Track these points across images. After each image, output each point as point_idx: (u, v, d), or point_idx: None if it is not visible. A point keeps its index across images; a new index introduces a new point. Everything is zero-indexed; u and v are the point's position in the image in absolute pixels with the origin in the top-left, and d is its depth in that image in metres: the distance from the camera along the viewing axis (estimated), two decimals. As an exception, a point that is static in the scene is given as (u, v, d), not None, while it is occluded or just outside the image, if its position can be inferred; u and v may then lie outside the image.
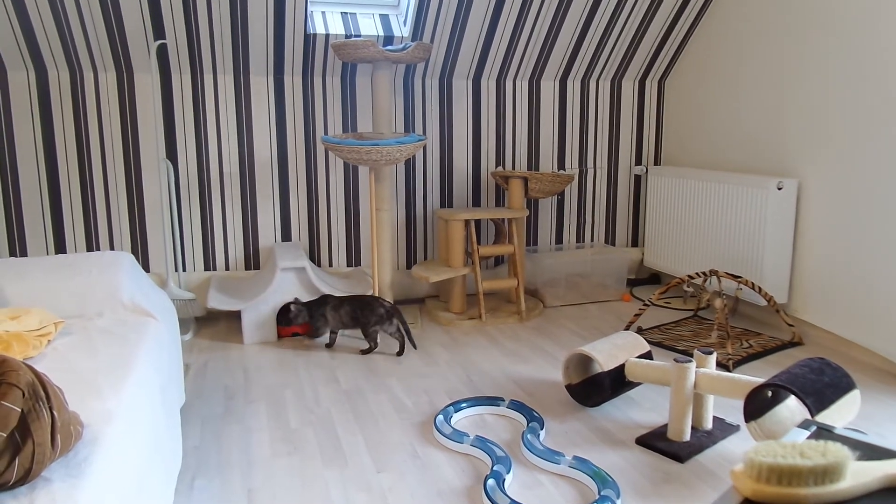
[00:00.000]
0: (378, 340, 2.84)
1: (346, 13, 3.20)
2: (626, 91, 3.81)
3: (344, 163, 3.43)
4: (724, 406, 2.29)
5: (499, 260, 3.76)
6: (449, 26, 3.19)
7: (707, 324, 3.17)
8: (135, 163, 3.17)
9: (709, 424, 2.11)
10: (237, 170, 3.29)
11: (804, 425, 1.08)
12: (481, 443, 1.99)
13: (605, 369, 2.18)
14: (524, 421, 2.18)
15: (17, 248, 3.11)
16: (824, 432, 1.06)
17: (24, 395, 1.06)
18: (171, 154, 3.20)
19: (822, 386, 1.81)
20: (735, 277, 2.89)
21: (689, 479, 1.85)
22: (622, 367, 2.23)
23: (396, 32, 3.21)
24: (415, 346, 2.89)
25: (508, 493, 1.77)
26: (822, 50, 2.80)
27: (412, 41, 3.20)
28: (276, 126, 3.31)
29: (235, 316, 3.34)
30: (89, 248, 3.19)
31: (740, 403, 2.26)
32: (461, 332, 3.11)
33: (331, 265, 3.51)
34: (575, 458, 1.90)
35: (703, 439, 2.04)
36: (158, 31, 2.91)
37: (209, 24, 2.91)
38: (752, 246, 3.04)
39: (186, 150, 3.22)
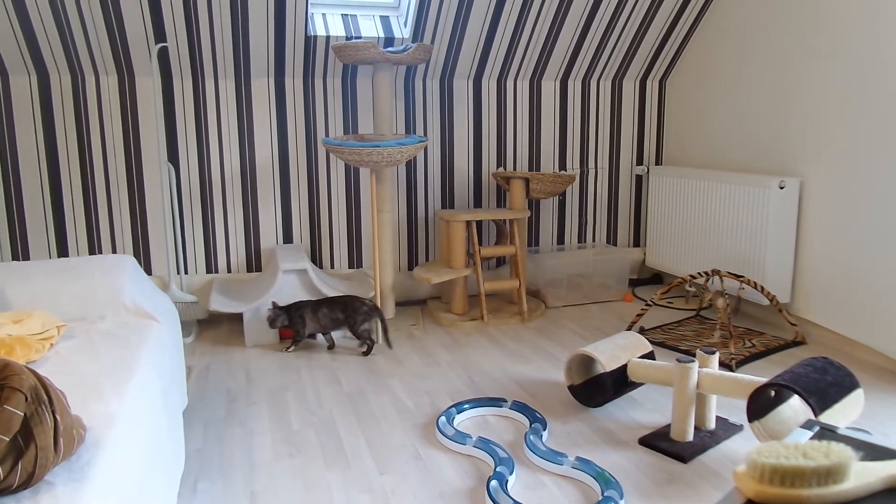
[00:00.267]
0: (372, 336, 2.85)
1: (346, 15, 3.20)
2: (627, 91, 3.81)
3: (345, 164, 3.44)
4: (727, 406, 2.29)
5: (500, 261, 3.76)
6: (449, 27, 3.20)
7: (709, 323, 3.17)
8: (136, 166, 3.18)
9: (712, 424, 2.11)
10: (238, 172, 3.30)
11: (807, 426, 1.08)
12: (484, 444, 1.99)
13: (608, 370, 2.18)
14: (527, 422, 2.18)
15: (20, 251, 3.12)
16: (827, 433, 1.06)
17: (26, 399, 1.06)
18: (173, 157, 3.21)
19: (825, 385, 1.81)
20: (737, 277, 2.89)
21: (692, 480, 1.85)
22: (624, 367, 2.23)
23: (397, 34, 3.21)
24: (390, 346, 2.90)
25: (511, 494, 1.77)
26: (824, 49, 2.80)
27: (413, 42, 3.20)
28: (277, 128, 3.31)
29: (237, 318, 3.34)
30: (91, 252, 3.19)
31: (743, 403, 2.26)
32: (463, 333, 3.11)
33: (332, 267, 3.51)
34: (578, 458, 1.89)
35: (707, 439, 2.04)
36: (159, 35, 2.92)
37: (210, 27, 2.92)
38: (754, 245, 3.04)
39: (188, 152, 3.23)
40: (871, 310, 2.64)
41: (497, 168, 3.68)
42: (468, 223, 3.29)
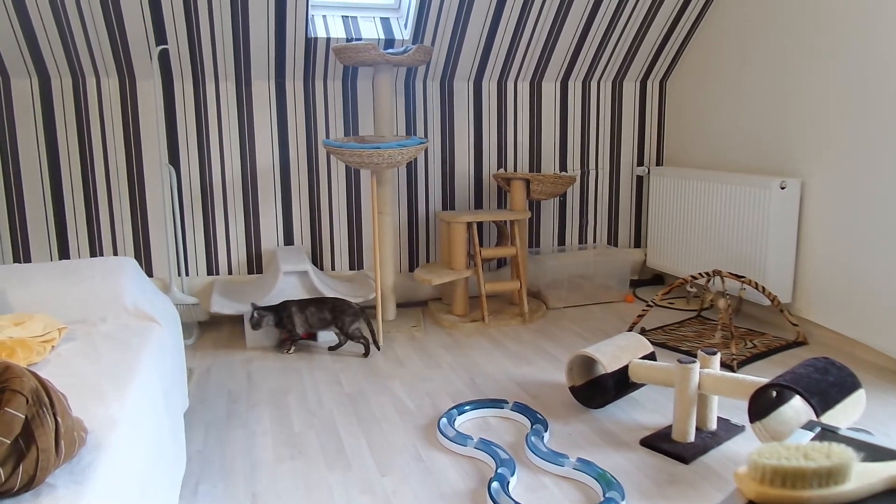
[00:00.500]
0: (366, 335, 2.86)
1: (346, 17, 3.20)
2: (627, 92, 3.81)
3: (346, 166, 3.44)
4: (729, 406, 2.29)
5: (501, 262, 3.75)
6: (450, 29, 3.20)
7: (711, 324, 3.17)
8: (137, 168, 3.18)
9: (713, 425, 2.11)
10: (239, 174, 3.30)
11: (808, 426, 1.08)
12: (485, 445, 1.99)
13: (609, 371, 2.18)
14: (528, 423, 2.17)
15: (21, 254, 3.12)
16: (828, 433, 1.06)
17: (28, 401, 1.06)
18: (174, 159, 3.21)
19: (826, 385, 1.81)
20: (738, 277, 2.89)
21: (693, 481, 1.85)
22: (626, 368, 2.23)
23: (397, 35, 3.21)
24: (378, 348, 2.91)
25: (512, 495, 1.76)
26: (824, 49, 2.80)
27: (413, 44, 3.20)
28: (277, 130, 3.32)
29: (238, 320, 3.34)
30: (93, 254, 3.20)
31: (745, 404, 2.26)
32: (464, 335, 3.11)
33: (333, 269, 3.51)
34: (579, 460, 1.89)
35: (708, 440, 2.04)
36: (160, 37, 2.92)
37: (210, 29, 2.92)
38: (755, 246, 3.03)
39: (189, 155, 3.23)
40: (872, 310, 2.63)
41: (498, 169, 3.68)
42: (469, 224, 3.29)
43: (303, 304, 2.83)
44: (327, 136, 3.39)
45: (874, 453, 0.98)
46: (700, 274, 2.97)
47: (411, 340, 3.03)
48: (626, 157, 3.87)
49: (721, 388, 1.98)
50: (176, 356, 2.03)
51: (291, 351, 2.89)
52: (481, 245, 3.62)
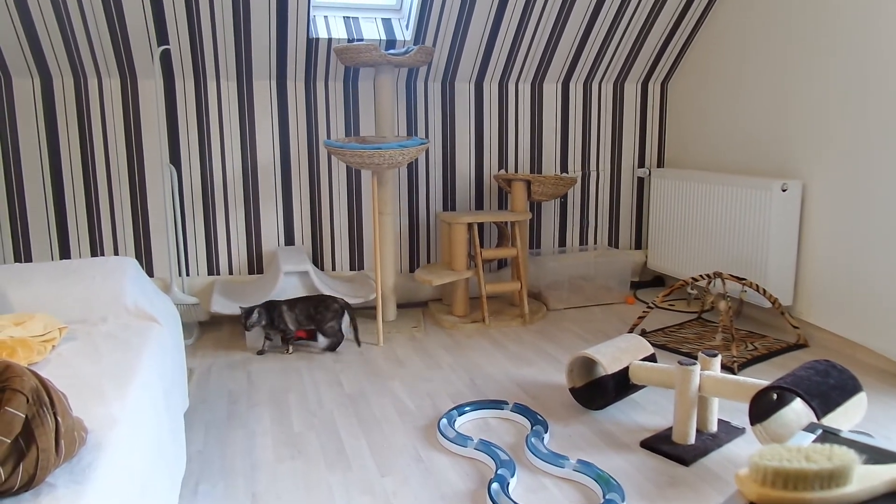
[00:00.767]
0: (338, 335, 2.87)
1: (348, 17, 3.20)
2: (628, 93, 3.81)
3: (346, 166, 3.44)
4: (729, 409, 2.29)
5: (502, 263, 3.75)
6: (451, 29, 3.20)
7: (711, 326, 3.16)
8: (139, 168, 3.18)
9: (714, 427, 2.10)
10: (240, 174, 3.30)
11: (810, 428, 1.08)
12: (485, 446, 1.98)
13: (609, 372, 2.18)
14: (528, 424, 2.17)
15: (22, 253, 3.12)
16: (830, 436, 1.05)
17: (28, 400, 1.06)
18: (175, 159, 3.21)
19: (827, 388, 1.81)
20: (739, 279, 2.88)
21: (694, 483, 1.85)
22: (626, 369, 2.23)
23: (399, 36, 3.22)
24: (359, 344, 2.94)
25: (512, 496, 1.76)
26: (826, 51, 2.80)
27: (414, 45, 3.20)
28: (278, 130, 3.32)
29: (239, 320, 3.34)
30: (93, 254, 3.20)
31: (745, 406, 2.26)
32: (464, 336, 3.11)
33: (334, 269, 3.51)
34: (579, 461, 1.89)
35: (708, 442, 2.04)
36: (162, 37, 2.92)
37: (212, 29, 2.92)
38: (756, 248, 3.03)
39: (190, 155, 3.23)
40: (873, 312, 2.63)
41: (499, 170, 3.68)
42: (469, 225, 3.29)
43: (292, 303, 2.84)
44: (328, 137, 3.39)
45: (876, 456, 0.98)
46: (701, 276, 2.96)
47: (412, 341, 3.03)
48: (627, 159, 3.87)
49: (721, 391, 1.98)
50: (176, 356, 2.03)
51: (290, 350, 2.89)
52: (482, 246, 3.62)
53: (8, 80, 2.98)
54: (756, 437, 1.88)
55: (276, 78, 3.26)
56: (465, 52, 3.34)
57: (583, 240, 3.89)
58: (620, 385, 2.22)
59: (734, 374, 2.58)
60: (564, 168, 3.79)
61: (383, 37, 3.19)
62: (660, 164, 3.92)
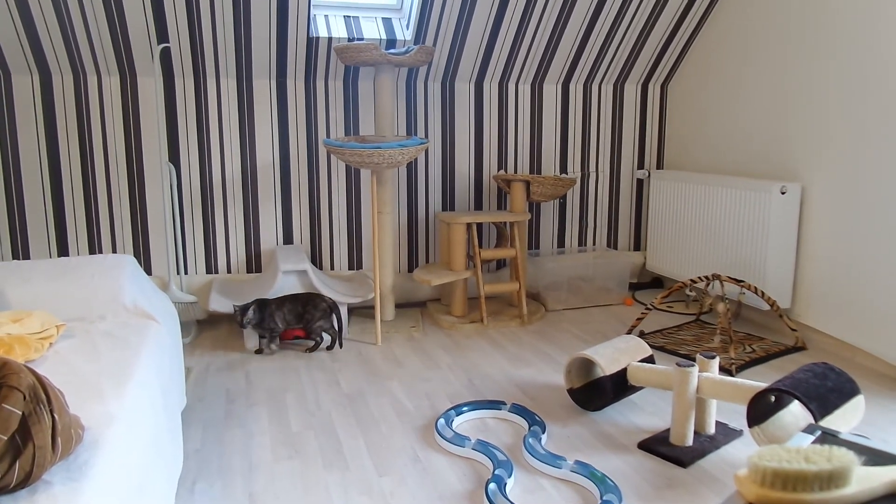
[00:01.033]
0: (323, 336, 2.88)
1: (348, 17, 3.20)
2: (628, 95, 3.81)
3: (346, 166, 3.44)
4: (727, 411, 2.28)
5: (500, 263, 3.75)
6: (452, 29, 3.20)
7: (710, 328, 3.16)
8: (137, 166, 3.17)
9: (711, 429, 2.10)
10: (239, 173, 3.30)
11: (809, 430, 1.08)
12: (483, 447, 1.98)
13: (608, 373, 2.18)
14: (526, 425, 2.17)
15: (20, 250, 3.11)
16: (829, 437, 1.05)
17: (25, 397, 1.06)
18: (174, 157, 3.21)
19: (825, 391, 1.81)
20: (738, 282, 2.88)
21: (691, 485, 1.85)
22: (624, 371, 2.23)
23: (399, 36, 3.21)
24: (341, 346, 2.93)
25: (510, 497, 1.76)
26: (825, 53, 2.80)
27: (415, 44, 3.20)
28: (278, 129, 3.31)
29: (234, 318, 3.33)
30: (92, 251, 3.19)
31: (743, 408, 2.26)
32: (463, 336, 3.10)
33: (332, 268, 3.51)
34: (577, 462, 1.89)
35: (706, 444, 2.04)
36: (162, 35, 2.92)
37: (212, 27, 2.92)
38: (755, 250, 3.03)
39: (189, 153, 3.22)
40: (871, 315, 2.63)
41: (498, 171, 3.68)
42: (468, 225, 3.29)
43: (280, 302, 2.83)
44: (328, 136, 3.38)
45: (875, 458, 0.98)
46: (699, 278, 2.96)
47: (410, 341, 3.03)
48: (626, 160, 3.87)
49: (719, 393, 1.98)
50: (174, 354, 2.03)
51: (274, 350, 2.86)
52: (481, 246, 3.62)
53: (7, 77, 2.98)
54: (754, 439, 1.88)
55: (275, 77, 3.26)
56: (465, 52, 3.34)
57: (582, 241, 3.89)
58: (618, 386, 2.21)
59: (732, 376, 2.58)
60: (564, 169, 3.79)
61: (383, 36, 3.19)
62: (659, 165, 3.92)
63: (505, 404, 2.29)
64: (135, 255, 3.22)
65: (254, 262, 3.39)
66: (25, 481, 1.03)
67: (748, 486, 0.87)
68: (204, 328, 3.22)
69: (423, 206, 3.59)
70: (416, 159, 3.48)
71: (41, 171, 3.08)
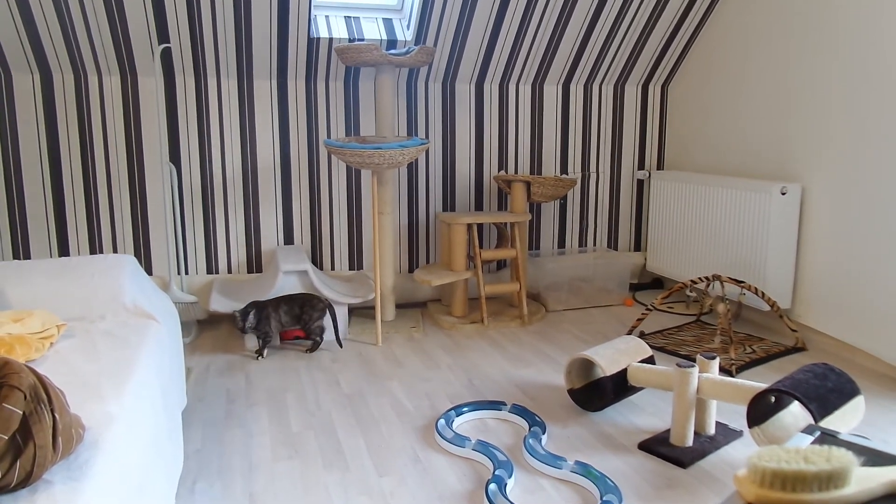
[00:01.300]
0: (322, 336, 2.87)
1: (349, 17, 3.20)
2: (629, 95, 3.81)
3: (346, 166, 3.44)
4: (727, 411, 2.29)
5: (501, 264, 3.75)
6: (452, 30, 3.20)
7: (710, 329, 3.16)
8: (138, 166, 3.18)
9: (712, 430, 2.10)
10: (240, 173, 3.30)
11: (808, 430, 1.08)
12: (483, 447, 1.98)
13: (608, 374, 2.18)
14: (526, 425, 2.17)
15: (21, 250, 3.12)
16: (828, 437, 1.05)
17: (25, 397, 1.06)
18: (175, 157, 3.21)
19: (825, 391, 1.81)
20: (738, 282, 2.88)
21: (691, 485, 1.85)
22: (625, 371, 2.23)
23: (400, 36, 3.22)
24: (340, 345, 2.93)
25: (510, 497, 1.76)
26: (826, 54, 2.80)
27: (415, 45, 3.20)
28: (279, 130, 3.32)
29: (234, 324, 3.33)
30: (92, 251, 3.19)
31: (743, 409, 2.26)
32: (463, 336, 3.11)
33: (333, 268, 3.51)
34: (577, 462, 1.89)
35: (706, 445, 2.04)
36: (163, 35, 2.92)
37: (213, 27, 2.92)
38: (755, 251, 3.03)
39: (190, 153, 3.23)
40: (871, 316, 2.63)
41: (498, 171, 3.68)
42: (469, 226, 3.29)
43: (276, 304, 2.83)
44: (328, 136, 3.39)
45: (874, 458, 0.98)
46: (700, 278, 2.96)
47: (410, 341, 3.03)
48: (626, 161, 3.87)
49: (720, 393, 1.98)
50: (174, 354, 2.03)
51: (265, 355, 2.83)
52: (481, 247, 3.62)
53: (8, 76, 2.98)
54: (754, 439, 1.88)
55: (276, 77, 3.26)
56: (465, 53, 3.34)
57: (582, 241, 3.89)
58: (619, 387, 2.22)
59: (732, 376, 2.58)
60: (564, 170, 3.79)
61: (384, 37, 3.20)
62: (659, 166, 3.92)
63: (505, 405, 2.29)
64: (135, 255, 3.22)
65: (254, 263, 3.39)
66: (26, 481, 1.03)
67: (747, 486, 0.87)
68: (204, 328, 3.22)
69: (424, 206, 3.59)
70: (416, 160, 3.49)
71: (42, 170, 3.08)
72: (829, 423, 1.74)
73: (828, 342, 2.88)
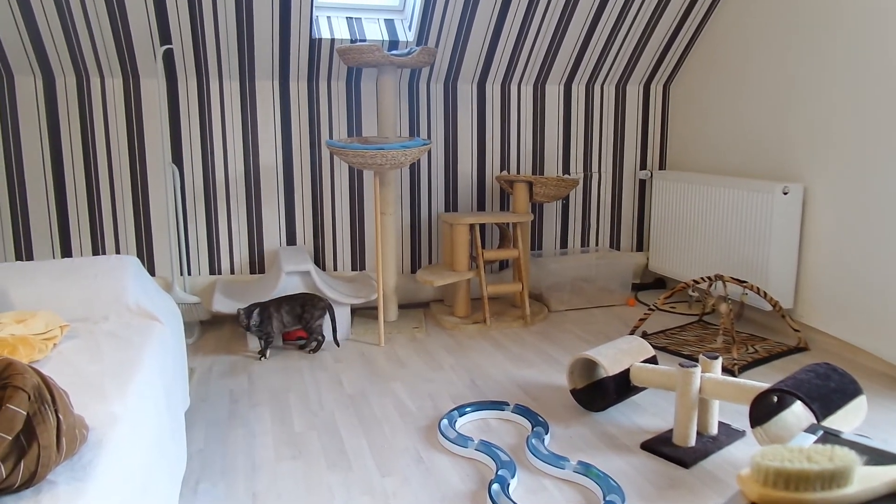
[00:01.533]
0: (323, 333, 2.88)
1: (351, 18, 3.21)
2: (630, 95, 3.81)
3: (349, 167, 3.44)
4: (730, 411, 2.28)
5: (503, 264, 3.75)
6: (454, 31, 3.20)
7: (712, 329, 3.16)
8: (141, 167, 3.18)
9: (714, 430, 2.10)
10: (242, 174, 3.30)
11: (811, 429, 1.08)
12: (486, 447, 1.98)
13: (610, 374, 2.18)
14: (529, 425, 2.17)
15: (24, 251, 3.12)
16: (831, 437, 1.05)
17: (29, 398, 1.06)
18: (177, 159, 3.22)
19: (828, 391, 1.80)
20: (740, 282, 2.88)
21: (694, 485, 1.85)
22: (627, 371, 2.23)
23: (401, 37, 3.22)
24: (338, 344, 2.94)
25: (513, 497, 1.76)
26: (828, 53, 2.80)
27: (417, 46, 3.20)
28: (281, 131, 3.32)
29: (238, 322, 3.33)
30: (95, 252, 3.20)
31: (746, 409, 2.25)
32: (466, 337, 3.11)
33: (336, 269, 3.51)
34: (580, 462, 1.89)
35: (709, 445, 2.04)
36: (165, 37, 2.93)
37: (215, 29, 2.93)
38: (757, 251, 3.03)
39: (192, 154, 3.23)
40: (874, 316, 2.63)
41: (500, 171, 3.68)
42: (471, 226, 3.29)
43: (278, 304, 2.83)
44: (331, 137, 3.39)
45: (877, 457, 0.98)
46: (702, 278, 2.96)
47: (413, 341, 3.03)
48: (628, 161, 3.87)
49: (722, 393, 1.98)
50: (177, 355, 2.03)
51: (268, 356, 2.83)
52: (483, 247, 3.62)
53: (10, 78, 2.99)
54: (756, 439, 1.88)
55: (278, 78, 3.27)
56: (467, 54, 3.34)
57: (584, 241, 3.89)
58: (621, 387, 2.22)
59: (735, 376, 2.58)
60: (566, 170, 3.79)
61: (386, 37, 3.20)
62: (661, 166, 3.92)
63: (508, 405, 2.29)
64: (138, 256, 3.23)
65: (257, 263, 3.39)
66: (30, 481, 1.04)
67: (751, 485, 0.87)
68: (207, 329, 3.22)
69: (426, 206, 3.59)
70: (418, 160, 3.49)
71: (44, 172, 3.09)
72: (831, 422, 1.74)
73: (830, 342, 2.88)
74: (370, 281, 3.32)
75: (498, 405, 2.29)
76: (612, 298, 3.62)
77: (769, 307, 2.95)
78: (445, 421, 2.15)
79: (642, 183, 3.93)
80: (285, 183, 3.36)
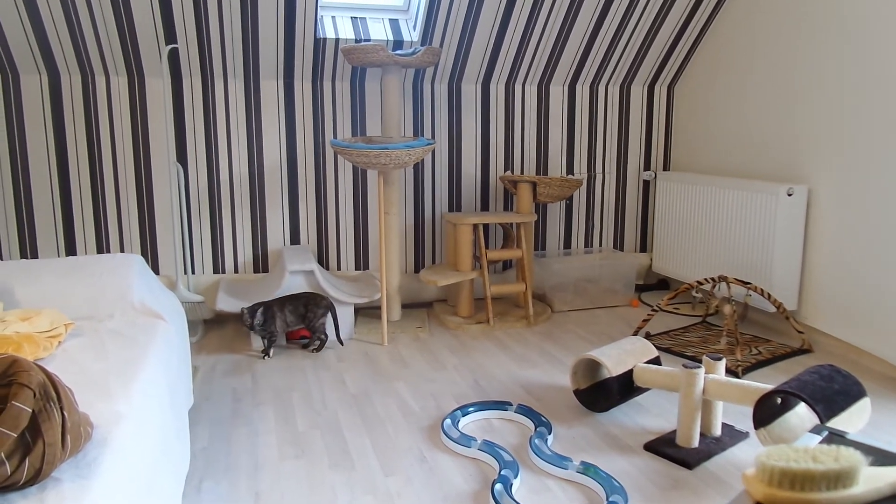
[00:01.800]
0: (326, 332, 2.88)
1: (355, 18, 3.21)
2: (635, 96, 3.81)
3: (353, 166, 3.44)
4: (734, 413, 2.28)
5: (507, 264, 3.75)
6: (458, 31, 3.20)
7: (716, 330, 3.16)
8: (145, 166, 3.19)
9: (718, 431, 2.10)
10: (247, 173, 3.31)
11: (816, 430, 1.07)
12: (489, 447, 1.98)
13: (614, 374, 2.17)
14: (532, 426, 2.17)
15: (29, 250, 3.13)
16: (836, 437, 1.05)
17: (35, 395, 1.07)
18: (182, 157, 3.22)
19: (832, 393, 1.80)
20: (744, 283, 2.88)
21: (697, 486, 1.84)
22: (630, 372, 2.23)
23: (406, 37, 3.22)
24: (342, 343, 2.95)
25: (516, 497, 1.76)
26: (833, 54, 2.79)
27: (422, 45, 3.20)
28: (285, 130, 3.32)
29: (242, 321, 3.34)
30: (100, 251, 3.21)
31: (749, 410, 2.25)
32: (469, 337, 3.11)
33: (339, 268, 3.52)
34: (583, 463, 1.89)
35: (712, 446, 2.03)
36: (170, 36, 2.93)
37: (220, 28, 2.93)
38: (761, 252, 3.03)
39: (197, 153, 3.24)
40: (878, 318, 2.62)
41: (504, 172, 3.68)
42: (475, 226, 3.29)
43: (281, 304, 2.83)
44: (335, 137, 3.39)
45: (882, 458, 0.97)
46: (706, 279, 2.96)
47: (416, 341, 3.03)
48: (632, 162, 3.87)
49: (726, 394, 1.97)
50: (182, 353, 2.03)
51: (271, 355, 2.84)
52: (487, 247, 3.62)
53: (16, 76, 3.00)
54: (760, 441, 1.88)
55: (283, 77, 3.27)
56: (471, 54, 3.34)
57: (588, 242, 3.89)
58: (624, 388, 2.21)
59: (738, 377, 2.58)
60: (570, 170, 3.78)
61: (390, 37, 3.20)
62: (665, 167, 3.92)
63: (511, 405, 2.29)
64: (142, 255, 3.24)
65: (261, 262, 3.40)
66: (35, 478, 1.04)
67: (756, 485, 0.87)
68: (211, 328, 3.23)
69: (430, 206, 3.60)
70: (422, 160, 3.49)
71: (49, 170, 3.10)
72: (835, 424, 1.74)
73: (834, 344, 2.87)
74: (374, 280, 3.32)
75: (501, 405, 2.29)
76: (615, 299, 3.62)
77: (773, 309, 2.94)
78: (449, 421, 2.15)
79: (646, 184, 3.93)
80: (289, 182, 3.37)
